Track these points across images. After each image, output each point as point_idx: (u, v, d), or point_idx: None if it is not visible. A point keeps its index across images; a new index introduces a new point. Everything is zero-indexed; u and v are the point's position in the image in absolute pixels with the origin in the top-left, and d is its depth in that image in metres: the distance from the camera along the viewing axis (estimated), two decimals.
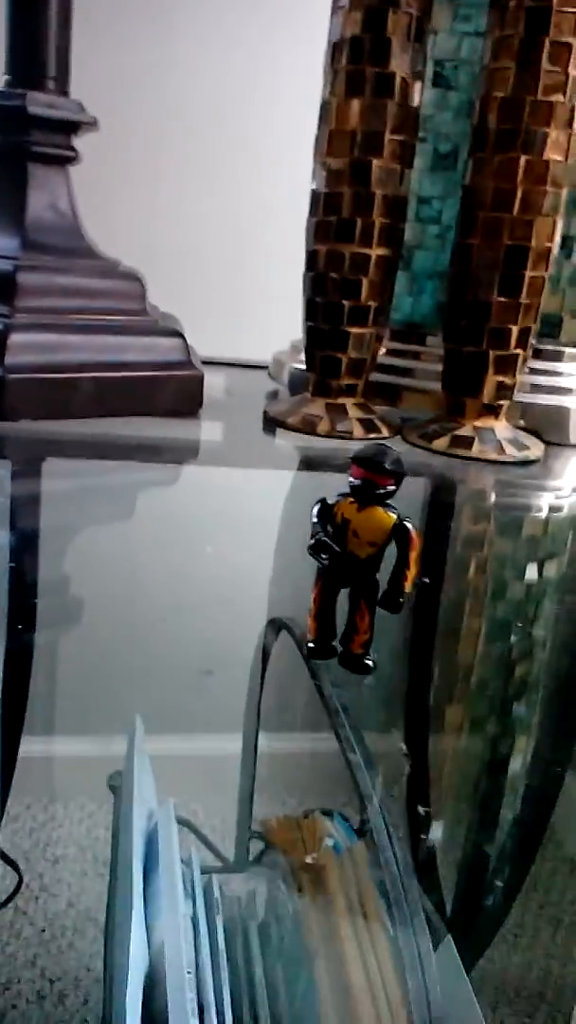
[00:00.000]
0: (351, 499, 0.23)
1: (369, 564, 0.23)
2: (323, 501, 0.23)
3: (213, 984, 0.23)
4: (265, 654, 0.35)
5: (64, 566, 0.55)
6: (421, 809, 0.37)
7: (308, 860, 0.33)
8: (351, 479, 0.23)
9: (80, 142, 0.51)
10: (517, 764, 0.57)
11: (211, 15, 0.75)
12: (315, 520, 0.23)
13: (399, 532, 0.23)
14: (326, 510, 0.23)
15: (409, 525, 0.23)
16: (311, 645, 0.25)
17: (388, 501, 0.23)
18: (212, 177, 0.78)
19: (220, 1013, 0.21)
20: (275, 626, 0.34)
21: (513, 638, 0.56)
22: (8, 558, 0.54)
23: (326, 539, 0.23)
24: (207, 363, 0.57)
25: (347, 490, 0.23)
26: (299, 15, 0.68)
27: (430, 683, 0.58)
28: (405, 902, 0.26)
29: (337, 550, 0.23)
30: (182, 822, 0.34)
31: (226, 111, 0.77)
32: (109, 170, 0.68)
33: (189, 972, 0.21)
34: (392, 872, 0.26)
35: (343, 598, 0.24)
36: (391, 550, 0.23)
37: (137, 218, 0.75)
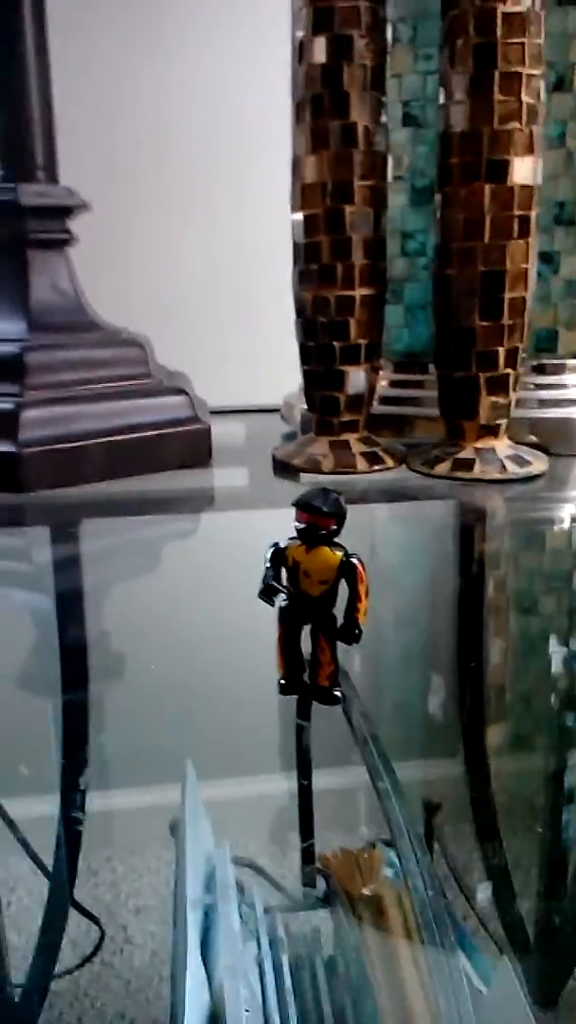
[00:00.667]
0: (299, 542, 0.24)
1: (323, 601, 0.25)
2: (276, 546, 0.25)
3: (280, 1019, 0.24)
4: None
5: (100, 624, 0.57)
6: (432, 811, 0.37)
7: (366, 892, 0.34)
8: (296, 523, 0.24)
9: (75, 224, 0.54)
10: (573, 777, 0.56)
11: (203, 66, 0.79)
12: (267, 565, 0.25)
13: (346, 568, 0.24)
14: (278, 554, 0.25)
15: (355, 561, 0.24)
16: (282, 682, 0.26)
17: (335, 540, 0.24)
18: (211, 226, 0.81)
19: None
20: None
21: (554, 652, 0.56)
22: (54, 620, 0.56)
23: (272, 582, 0.24)
24: (221, 412, 0.59)
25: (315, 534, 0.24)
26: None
27: (484, 706, 0.58)
28: (435, 927, 0.27)
29: (283, 589, 0.24)
30: (243, 863, 0.36)
31: (221, 162, 0.80)
32: (109, 240, 0.71)
33: (248, 1011, 0.23)
34: (420, 898, 0.27)
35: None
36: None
37: (141, 279, 0.79)
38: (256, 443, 0.62)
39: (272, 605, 0.25)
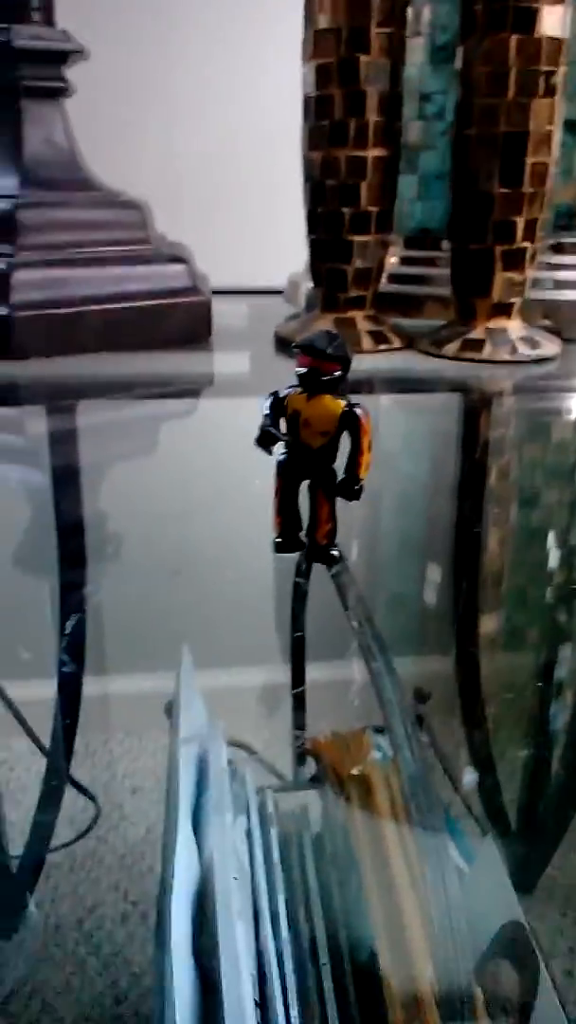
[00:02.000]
0: (300, 389, 0.23)
1: (324, 454, 0.23)
2: (275, 394, 0.23)
3: (267, 890, 0.24)
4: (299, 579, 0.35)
5: (99, 506, 0.56)
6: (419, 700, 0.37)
7: (354, 772, 0.34)
8: (296, 368, 0.23)
9: (73, 74, 0.50)
10: (564, 671, 0.56)
11: None
12: (265, 412, 0.23)
13: (348, 418, 0.23)
14: (277, 403, 0.23)
15: (359, 411, 0.23)
16: (278, 540, 0.25)
17: (338, 387, 0.23)
18: (214, 95, 0.76)
19: (275, 916, 0.22)
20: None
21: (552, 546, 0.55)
22: (51, 497, 0.55)
23: (269, 428, 0.23)
24: (224, 293, 0.57)
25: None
26: None
27: (477, 594, 0.58)
28: (422, 803, 0.26)
29: (282, 438, 0.23)
30: (235, 743, 0.35)
31: (222, 34, 0.75)
32: (107, 105, 0.67)
33: (236, 878, 0.23)
34: (408, 773, 0.27)
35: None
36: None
37: (137, 153, 0.74)
38: (257, 323, 0.60)
39: (269, 454, 0.23)
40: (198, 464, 0.54)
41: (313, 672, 0.39)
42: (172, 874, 0.22)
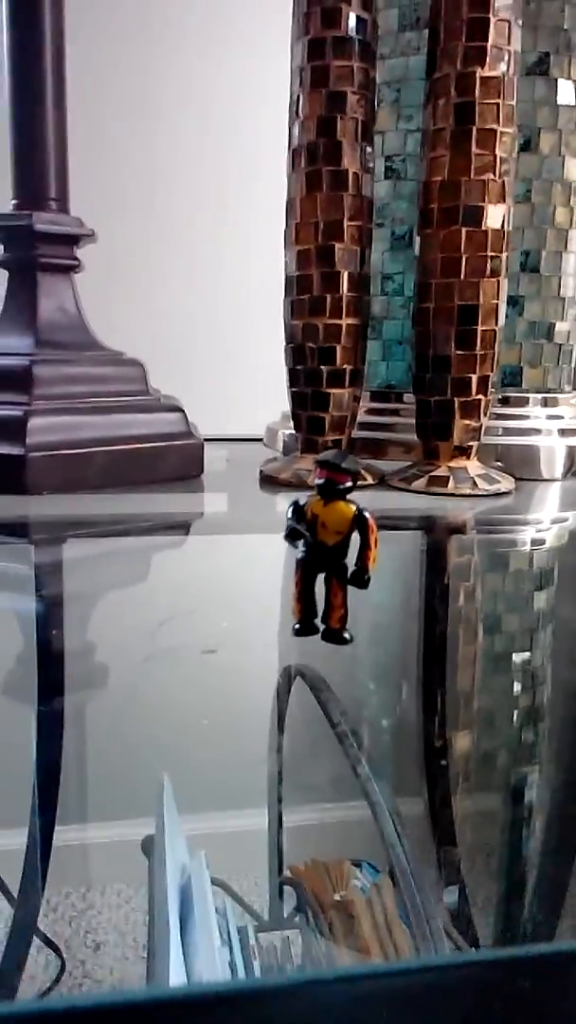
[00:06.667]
0: (318, 497, 0.28)
1: (337, 550, 0.28)
2: (295, 502, 0.28)
3: None
4: (281, 700, 0.38)
5: (86, 635, 0.59)
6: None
7: (336, 898, 0.36)
8: (316, 480, 0.28)
9: (82, 253, 0.58)
10: (534, 792, 0.59)
11: (189, 123, 0.85)
12: (289, 516, 0.28)
13: (359, 520, 0.28)
14: (299, 509, 0.28)
15: (367, 514, 0.28)
16: (297, 625, 0.29)
17: (348, 496, 0.28)
18: (199, 272, 0.86)
19: None
20: (287, 673, 0.37)
21: (516, 667, 0.59)
22: (37, 626, 0.58)
23: (295, 526, 0.28)
24: (208, 440, 0.63)
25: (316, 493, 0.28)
26: (271, 125, 0.77)
27: (443, 725, 0.61)
28: (428, 929, 0.29)
29: (306, 534, 0.28)
30: (216, 882, 0.38)
31: (202, 214, 0.86)
32: (107, 277, 0.75)
33: None
34: (413, 902, 0.30)
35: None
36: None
37: (135, 319, 0.83)
38: (241, 466, 0.65)
39: (295, 548, 0.28)
40: (185, 594, 0.58)
41: (294, 815, 0.42)
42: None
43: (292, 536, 0.28)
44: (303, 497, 0.28)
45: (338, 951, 0.34)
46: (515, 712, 0.52)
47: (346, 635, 0.29)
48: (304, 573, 0.29)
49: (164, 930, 0.26)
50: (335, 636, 0.29)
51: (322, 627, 0.29)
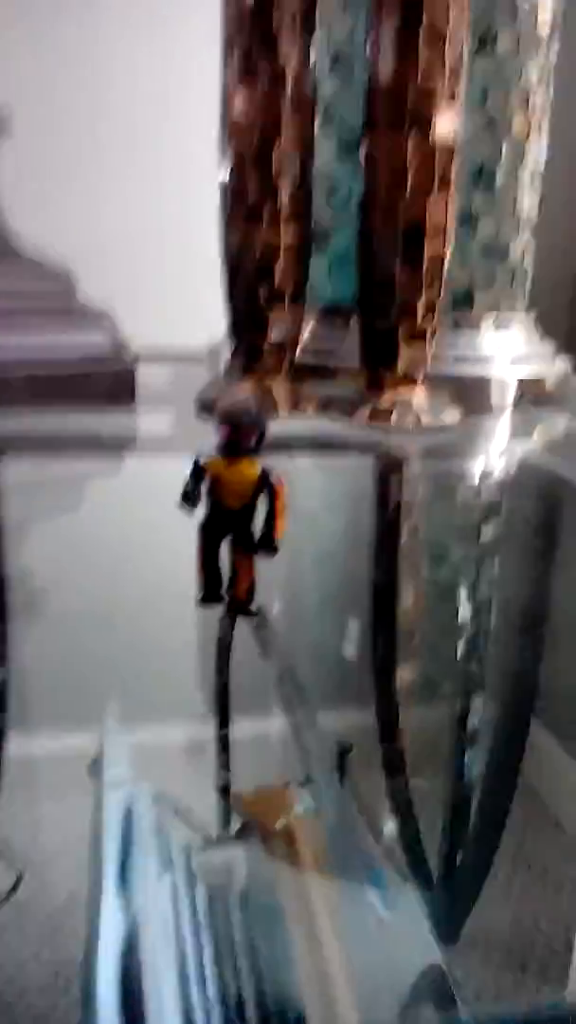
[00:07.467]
0: (219, 456, 0.25)
1: (243, 515, 0.26)
2: (196, 462, 0.26)
3: (194, 948, 0.26)
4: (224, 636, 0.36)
5: (25, 560, 0.57)
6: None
7: (279, 825, 0.35)
8: (217, 436, 0.25)
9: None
10: (477, 720, 0.59)
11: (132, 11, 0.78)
12: (187, 478, 0.26)
13: (264, 482, 0.25)
14: (198, 470, 0.26)
15: (273, 475, 0.25)
16: (201, 595, 0.27)
17: (254, 455, 0.25)
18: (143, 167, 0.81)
19: (202, 974, 0.23)
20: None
21: (463, 599, 0.58)
22: None
23: (190, 489, 0.25)
24: (150, 359, 0.59)
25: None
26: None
27: (395, 649, 0.60)
28: (345, 854, 0.28)
29: (200, 497, 0.25)
30: (161, 799, 0.36)
31: (146, 114, 0.80)
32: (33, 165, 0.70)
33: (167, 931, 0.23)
34: (331, 827, 0.29)
35: None
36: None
37: (68, 221, 0.78)
38: (180, 389, 0.62)
39: (189, 515, 0.26)
40: (120, 520, 0.55)
41: (238, 727, 0.41)
42: (98, 935, 0.23)
43: (186, 499, 0.25)
44: (203, 455, 0.26)
45: (280, 875, 0.33)
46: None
47: (252, 608, 0.27)
48: (206, 539, 0.26)
49: (100, 865, 0.25)
50: (241, 608, 0.27)
51: (227, 597, 0.27)
